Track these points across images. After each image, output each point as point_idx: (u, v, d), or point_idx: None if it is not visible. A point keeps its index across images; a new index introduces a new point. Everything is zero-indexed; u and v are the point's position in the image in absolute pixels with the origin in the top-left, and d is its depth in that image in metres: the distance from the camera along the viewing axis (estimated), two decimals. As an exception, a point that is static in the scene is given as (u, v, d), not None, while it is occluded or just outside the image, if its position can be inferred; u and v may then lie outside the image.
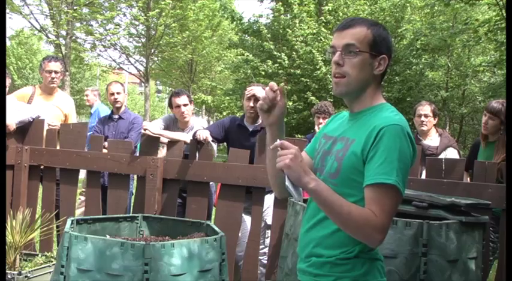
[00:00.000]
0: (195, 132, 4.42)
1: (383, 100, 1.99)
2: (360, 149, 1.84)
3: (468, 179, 4.35)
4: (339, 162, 1.90)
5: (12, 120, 4.66)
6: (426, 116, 4.99)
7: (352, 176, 1.86)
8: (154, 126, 4.68)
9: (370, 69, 1.93)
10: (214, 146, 4.60)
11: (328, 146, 2.01)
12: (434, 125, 5.08)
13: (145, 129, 4.52)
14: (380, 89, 2.01)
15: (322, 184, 1.79)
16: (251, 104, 4.55)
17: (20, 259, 3.91)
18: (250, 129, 4.65)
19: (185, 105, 4.96)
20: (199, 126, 4.92)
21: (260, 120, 4.66)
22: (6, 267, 3.76)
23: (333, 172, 1.92)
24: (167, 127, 4.99)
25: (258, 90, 4.52)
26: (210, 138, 4.32)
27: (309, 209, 2.06)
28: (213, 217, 4.71)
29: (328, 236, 1.93)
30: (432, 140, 5.00)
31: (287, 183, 1.80)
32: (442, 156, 4.74)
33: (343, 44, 1.92)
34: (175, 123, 5.07)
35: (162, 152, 5.12)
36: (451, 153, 4.83)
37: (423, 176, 4.02)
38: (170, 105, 5.07)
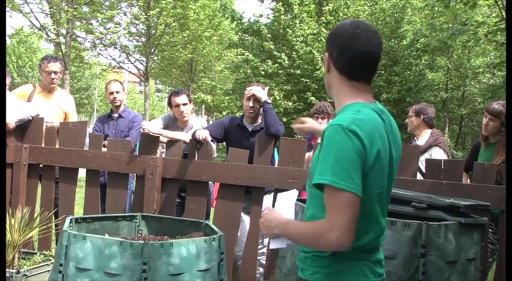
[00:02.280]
0: (194, 132, 4.42)
1: (354, 100, 1.97)
2: (317, 153, 1.93)
3: (468, 180, 4.34)
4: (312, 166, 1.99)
5: (11, 119, 4.65)
6: (409, 116, 5.13)
7: None
8: (154, 126, 4.67)
9: (327, 69, 2.01)
10: (214, 145, 4.60)
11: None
12: (430, 125, 5.07)
13: (144, 129, 4.51)
14: (348, 89, 2.00)
15: (285, 228, 2.01)
16: (251, 104, 4.55)
17: (19, 258, 3.90)
18: (250, 129, 4.65)
19: (184, 104, 4.95)
20: (199, 125, 4.91)
21: (260, 120, 4.66)
22: (5, 265, 3.76)
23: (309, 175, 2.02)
24: (166, 126, 4.98)
25: (258, 90, 4.52)
26: (209, 138, 4.32)
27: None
28: (212, 216, 4.71)
29: None
30: (423, 139, 5.01)
31: (271, 245, 2.22)
32: (426, 155, 4.73)
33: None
34: (174, 122, 5.07)
35: (160, 151, 5.11)
36: (436, 152, 4.82)
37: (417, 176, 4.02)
38: (170, 104, 5.06)
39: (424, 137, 5.03)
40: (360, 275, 1.93)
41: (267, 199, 4.36)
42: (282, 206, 2.18)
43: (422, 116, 5.05)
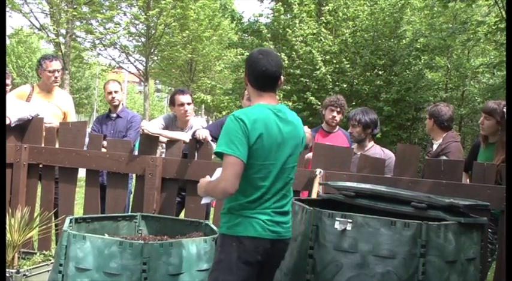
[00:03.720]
0: (194, 132, 4.42)
1: (257, 102, 2.85)
2: None
3: (468, 180, 4.33)
4: None
5: (11, 117, 4.64)
6: (426, 117, 4.91)
7: None
8: (153, 126, 4.68)
9: (245, 83, 3.00)
10: (214, 145, 4.58)
11: None
12: (444, 128, 4.81)
13: (143, 130, 4.52)
14: (256, 96, 2.89)
15: (206, 186, 2.87)
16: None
17: (18, 257, 3.91)
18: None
19: (188, 103, 4.95)
20: (199, 125, 4.91)
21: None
22: (5, 265, 3.76)
23: None
24: (167, 126, 4.97)
25: None
26: (209, 138, 4.32)
27: None
28: (211, 216, 4.71)
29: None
30: (438, 143, 4.82)
31: (202, 201, 3.01)
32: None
33: None
34: (174, 122, 5.06)
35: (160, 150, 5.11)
36: None
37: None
38: (172, 103, 5.04)
39: (438, 141, 4.74)
40: (250, 229, 2.71)
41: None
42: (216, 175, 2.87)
43: (433, 119, 4.74)
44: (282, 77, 2.91)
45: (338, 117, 5.25)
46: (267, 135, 2.70)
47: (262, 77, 2.82)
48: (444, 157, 4.52)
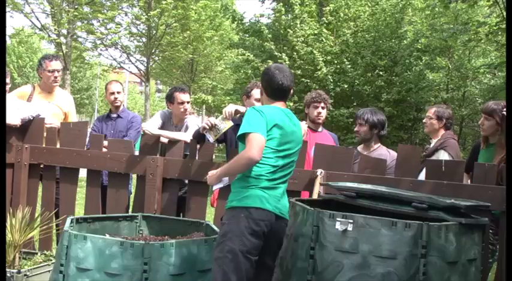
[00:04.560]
0: (196, 132, 4.42)
1: (271, 104, 3.41)
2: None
3: (469, 181, 4.33)
4: None
5: (16, 118, 4.64)
6: (429, 118, 4.99)
7: None
8: (153, 126, 4.69)
9: (260, 93, 3.64)
10: (211, 139, 4.32)
11: None
12: (446, 128, 4.95)
13: (144, 132, 4.53)
14: (270, 101, 3.43)
15: (220, 170, 3.36)
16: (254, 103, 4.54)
17: (20, 258, 3.91)
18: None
19: (188, 102, 4.97)
20: (194, 124, 4.92)
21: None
22: (6, 265, 3.77)
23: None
24: (163, 123, 4.98)
25: (231, 107, 4.29)
26: (242, 109, 4.14)
27: None
28: (212, 216, 4.71)
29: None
30: (434, 141, 4.96)
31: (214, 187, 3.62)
32: (433, 158, 4.67)
33: None
34: (169, 119, 5.07)
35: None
36: (441, 156, 4.71)
37: (422, 176, 4.01)
38: (170, 100, 5.03)
39: (436, 139, 4.94)
40: (257, 201, 3.17)
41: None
42: None
43: (444, 121, 4.90)
44: (292, 90, 3.49)
45: (324, 113, 5.00)
46: (281, 125, 3.26)
47: (278, 90, 3.38)
48: (442, 151, 4.71)
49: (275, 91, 3.38)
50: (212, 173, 3.41)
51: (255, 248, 3.15)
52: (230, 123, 4.19)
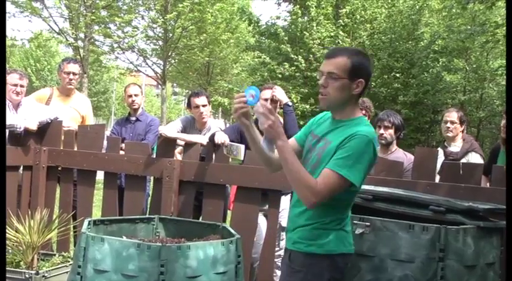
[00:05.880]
0: (212, 135, 4.43)
1: (360, 114, 2.54)
2: (335, 147, 2.39)
3: (488, 184, 4.29)
4: (318, 156, 2.47)
5: (34, 122, 4.68)
6: (452, 122, 4.99)
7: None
8: (170, 130, 4.71)
9: (349, 91, 2.42)
10: (243, 147, 4.27)
11: (314, 143, 2.56)
12: (462, 131, 5.03)
13: (161, 134, 4.55)
14: (358, 104, 2.57)
15: (287, 145, 2.39)
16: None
17: (38, 259, 3.94)
18: (266, 132, 4.65)
19: (204, 105, 4.98)
20: (216, 127, 4.93)
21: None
22: (24, 267, 3.81)
23: (313, 163, 2.48)
24: (185, 128, 5.01)
25: (279, 92, 4.53)
26: (227, 141, 4.30)
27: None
28: (229, 219, 4.72)
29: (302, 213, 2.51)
30: (457, 146, 4.95)
31: (262, 142, 2.48)
32: (464, 161, 4.67)
33: (327, 71, 2.41)
34: (192, 124, 5.09)
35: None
36: (474, 157, 4.77)
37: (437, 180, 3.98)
38: (189, 105, 5.09)
39: (457, 143, 5.00)
40: (341, 245, 2.45)
41: (284, 200, 4.35)
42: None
43: (464, 124, 5.05)
44: None
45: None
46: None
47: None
48: (473, 153, 4.86)
49: (364, 89, 2.51)
50: (276, 120, 2.38)
51: None
52: (241, 152, 4.19)
